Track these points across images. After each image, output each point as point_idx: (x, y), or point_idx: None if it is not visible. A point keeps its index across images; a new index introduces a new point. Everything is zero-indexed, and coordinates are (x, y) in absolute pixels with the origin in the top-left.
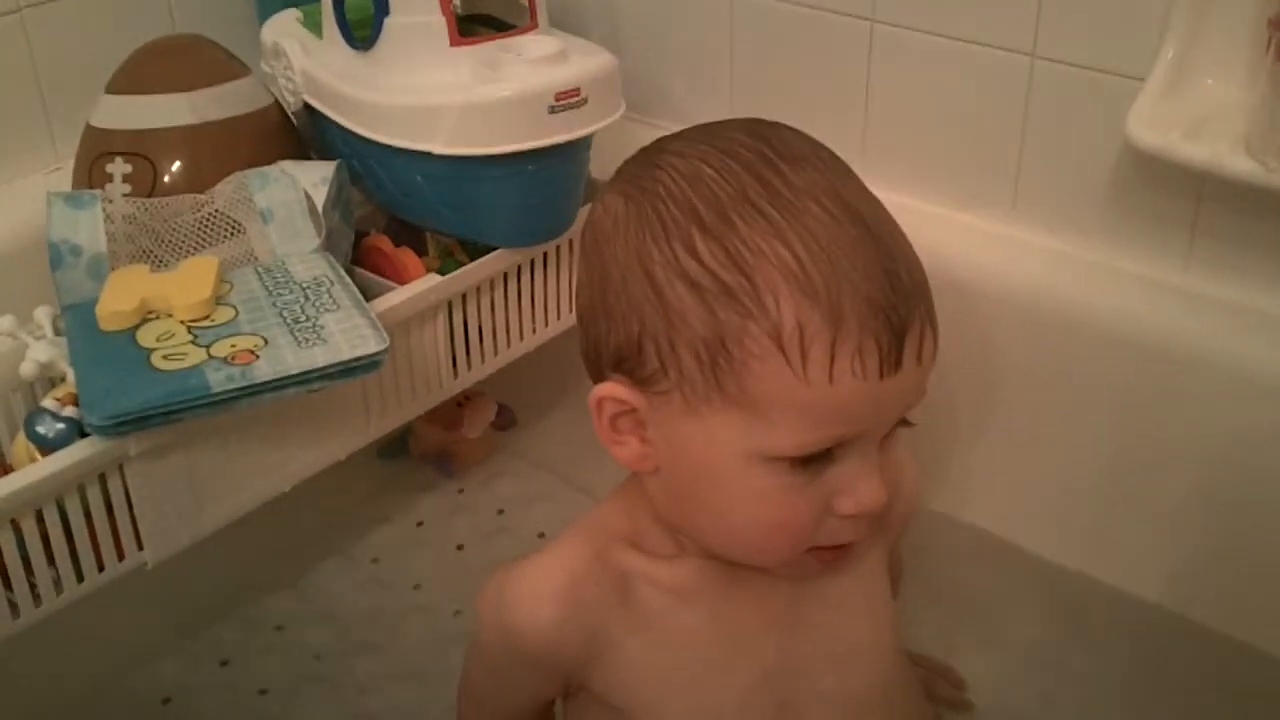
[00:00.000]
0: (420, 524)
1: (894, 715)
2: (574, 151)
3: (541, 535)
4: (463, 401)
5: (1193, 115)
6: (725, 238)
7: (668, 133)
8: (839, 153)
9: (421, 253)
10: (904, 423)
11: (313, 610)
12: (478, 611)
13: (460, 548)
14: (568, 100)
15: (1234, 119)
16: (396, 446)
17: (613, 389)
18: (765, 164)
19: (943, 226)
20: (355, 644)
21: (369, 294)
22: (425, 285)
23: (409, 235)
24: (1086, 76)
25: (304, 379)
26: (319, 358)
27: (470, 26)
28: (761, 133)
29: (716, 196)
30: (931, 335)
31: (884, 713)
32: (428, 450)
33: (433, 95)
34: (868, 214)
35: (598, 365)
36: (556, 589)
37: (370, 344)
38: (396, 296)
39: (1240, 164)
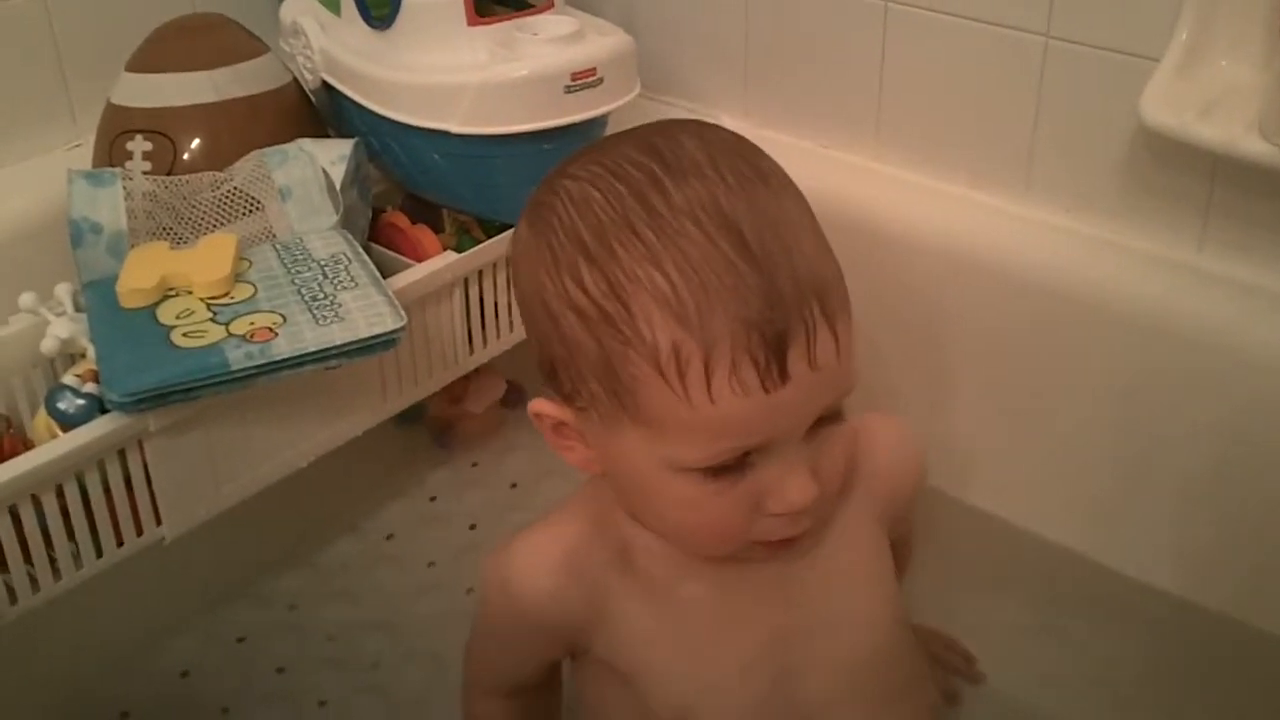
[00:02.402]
0: (433, 499)
1: (891, 684)
2: (590, 130)
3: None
4: (470, 377)
5: (1206, 96)
6: (607, 266)
7: (681, 113)
8: (851, 131)
9: (438, 230)
10: (835, 418)
11: (327, 588)
12: (482, 577)
13: (473, 527)
14: (584, 80)
15: (1248, 100)
16: (413, 412)
17: (543, 405)
18: (650, 183)
19: (956, 205)
20: (369, 622)
21: (386, 271)
22: (442, 263)
23: (425, 212)
24: (1100, 56)
25: (322, 356)
26: (337, 335)
27: (487, 5)
28: (655, 145)
29: (600, 223)
30: (828, 334)
31: (881, 681)
32: (432, 421)
33: (450, 74)
34: (749, 225)
35: (539, 365)
36: (557, 557)
37: (388, 322)
38: (413, 274)
39: (1254, 145)
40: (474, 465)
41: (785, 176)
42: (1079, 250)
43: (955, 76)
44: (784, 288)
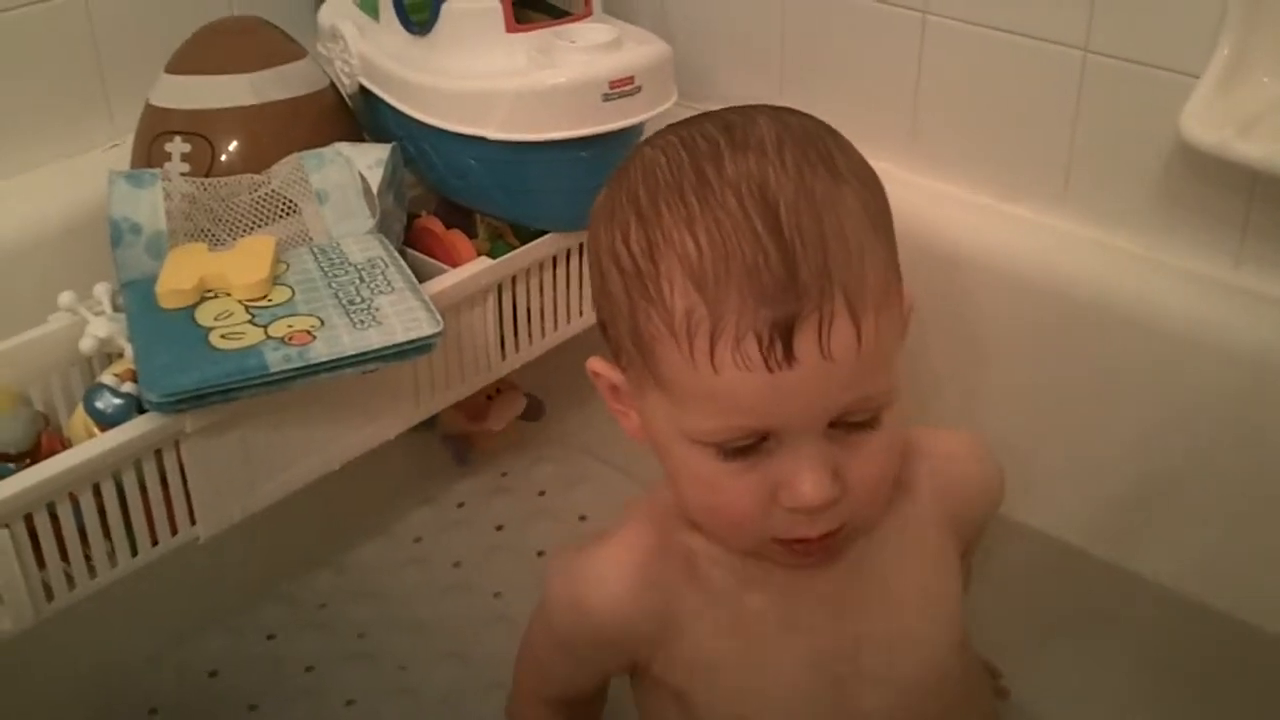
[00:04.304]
0: (461, 505)
1: (947, 706)
2: (626, 138)
3: (583, 518)
4: (492, 395)
5: (1247, 113)
6: (650, 226)
7: None
8: (887, 140)
9: (471, 235)
10: (868, 425)
11: (355, 588)
12: (547, 589)
13: (500, 528)
14: (621, 88)
15: None
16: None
17: (597, 363)
18: (710, 154)
19: (990, 216)
20: (396, 622)
21: (420, 275)
22: (477, 268)
23: (459, 217)
24: (1139, 71)
25: (359, 360)
26: (374, 339)
27: (525, 12)
28: (730, 122)
29: (657, 185)
30: (848, 326)
31: (936, 701)
32: (449, 433)
33: (488, 81)
34: (788, 206)
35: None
36: (632, 572)
37: (424, 326)
38: (449, 279)
39: None
40: (503, 475)
41: (864, 173)
42: (1114, 264)
43: (992, 89)
44: (806, 271)
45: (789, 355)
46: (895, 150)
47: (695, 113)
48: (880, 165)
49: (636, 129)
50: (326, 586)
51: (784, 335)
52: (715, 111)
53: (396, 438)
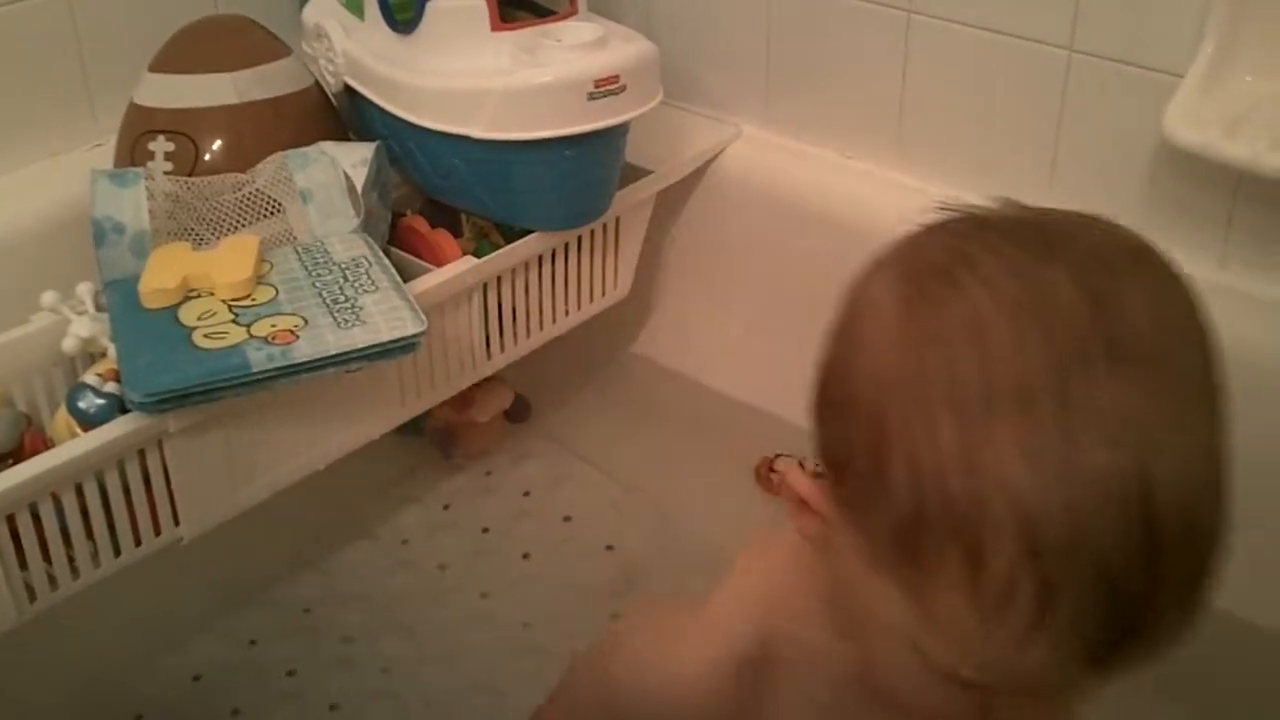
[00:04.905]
0: (447, 506)
1: None
2: (612, 137)
3: (567, 519)
4: (478, 384)
5: (1232, 112)
6: (973, 434)
7: (703, 118)
8: (873, 140)
9: (457, 234)
10: None
11: (340, 591)
12: (610, 674)
13: (486, 531)
14: (607, 87)
15: (1274, 116)
16: (413, 425)
17: (804, 486)
18: (1078, 355)
19: None
20: (382, 626)
21: (405, 275)
22: (462, 267)
23: (444, 216)
24: (1124, 71)
25: (343, 359)
26: (358, 339)
27: (511, 11)
28: (1102, 288)
29: (992, 375)
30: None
31: None
32: (435, 428)
33: (473, 80)
34: (1160, 459)
35: (815, 432)
36: (714, 665)
37: (409, 326)
38: (433, 278)
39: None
40: (487, 474)
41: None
42: None
43: (978, 88)
44: (1165, 592)
45: (1112, 662)
46: (882, 150)
47: (681, 112)
48: (865, 165)
49: (622, 127)
50: (312, 590)
51: (1117, 645)
52: (1064, 242)
53: (382, 438)
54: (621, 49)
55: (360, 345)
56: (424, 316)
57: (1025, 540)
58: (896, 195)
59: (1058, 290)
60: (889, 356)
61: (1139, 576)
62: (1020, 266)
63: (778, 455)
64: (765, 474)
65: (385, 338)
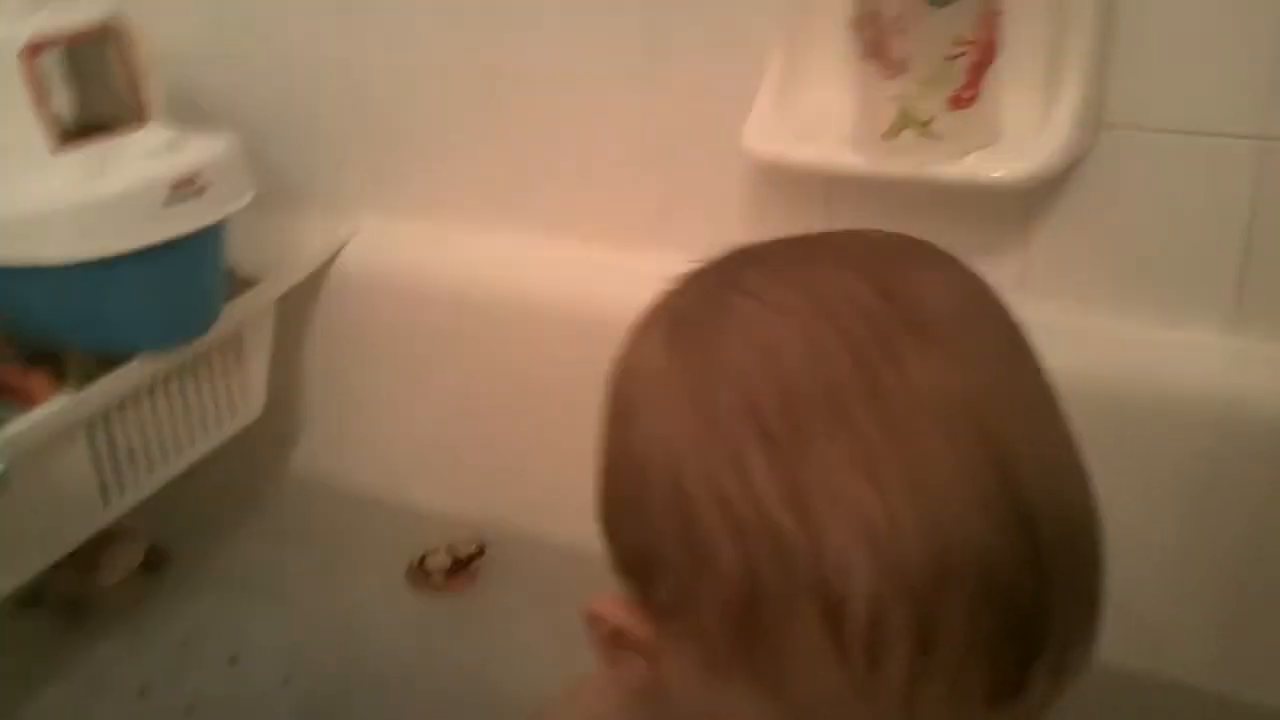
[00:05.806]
0: (94, 676)
1: None
2: (201, 243)
3: (233, 660)
4: (104, 543)
5: (801, 123)
6: (791, 462)
7: (313, 220)
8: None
9: (62, 375)
10: None
11: None
12: None
13: (143, 693)
14: (185, 190)
15: (842, 121)
16: (32, 594)
17: (613, 609)
18: (880, 342)
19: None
20: None
21: None
22: (55, 405)
23: (45, 359)
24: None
25: None
26: None
27: (74, 134)
28: (889, 279)
29: (794, 391)
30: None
31: None
32: (59, 598)
33: (37, 202)
34: (1006, 436)
35: (611, 547)
36: None
37: None
38: (22, 422)
39: (847, 158)
40: (135, 633)
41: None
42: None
43: (581, 152)
44: (1058, 576)
45: (1019, 689)
46: (518, 215)
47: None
48: (497, 236)
49: (213, 231)
50: None
51: (1023, 666)
52: (840, 244)
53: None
54: (197, 147)
55: None
56: None
57: (882, 565)
58: (539, 263)
59: (841, 287)
60: (675, 412)
61: (1026, 575)
62: (794, 275)
63: (424, 555)
64: (415, 572)
65: None
